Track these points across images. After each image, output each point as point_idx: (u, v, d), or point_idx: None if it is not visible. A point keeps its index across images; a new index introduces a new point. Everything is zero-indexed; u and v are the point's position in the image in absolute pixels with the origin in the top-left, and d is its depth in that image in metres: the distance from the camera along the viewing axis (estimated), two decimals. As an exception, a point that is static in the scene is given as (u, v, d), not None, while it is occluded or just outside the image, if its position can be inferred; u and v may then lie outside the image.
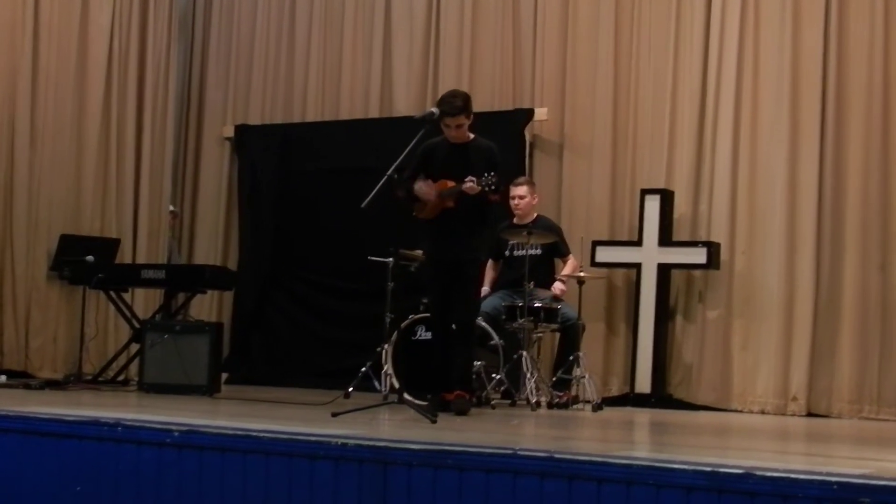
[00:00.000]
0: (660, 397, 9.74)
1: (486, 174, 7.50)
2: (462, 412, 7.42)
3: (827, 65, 9.57)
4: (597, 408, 8.79)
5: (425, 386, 7.91)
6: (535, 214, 9.54)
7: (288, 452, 4.88)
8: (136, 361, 9.61)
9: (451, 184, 7.64)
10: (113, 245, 10.92)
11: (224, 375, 10.10)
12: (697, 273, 9.92)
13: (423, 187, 7.76)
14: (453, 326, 7.78)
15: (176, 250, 12.04)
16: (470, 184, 7.48)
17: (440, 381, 7.73)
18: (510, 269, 9.29)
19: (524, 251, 9.07)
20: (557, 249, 9.45)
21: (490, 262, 9.33)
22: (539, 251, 9.34)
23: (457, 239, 7.74)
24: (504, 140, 9.56)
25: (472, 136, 7.88)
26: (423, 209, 7.84)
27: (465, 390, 7.67)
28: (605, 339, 10.22)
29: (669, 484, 4.15)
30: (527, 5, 10.89)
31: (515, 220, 9.36)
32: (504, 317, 8.88)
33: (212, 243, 12.20)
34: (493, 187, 7.51)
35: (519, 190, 9.38)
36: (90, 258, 10.07)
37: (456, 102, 7.71)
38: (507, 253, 9.37)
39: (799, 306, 9.50)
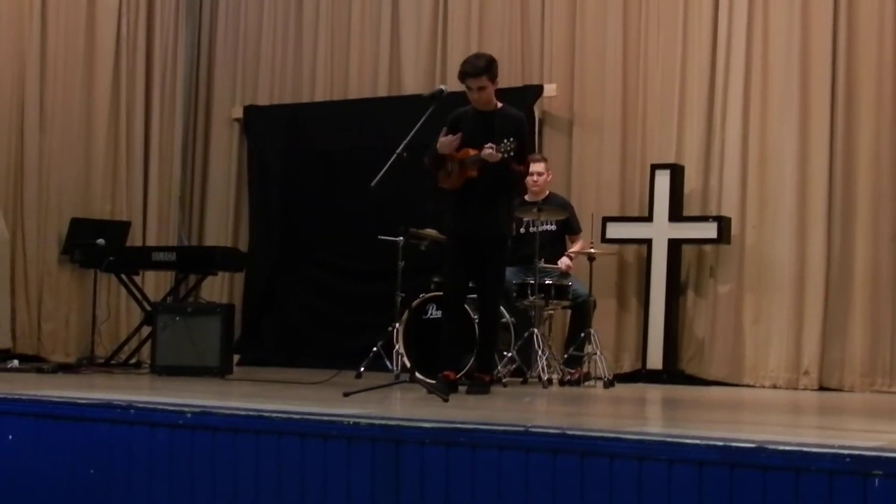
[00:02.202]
0: (671, 373, 9.74)
1: (505, 140, 7.28)
2: (477, 394, 7.35)
3: (837, 38, 9.53)
4: (608, 384, 8.79)
5: (436, 365, 7.86)
6: (548, 192, 9.52)
7: (300, 432, 4.88)
8: (148, 344, 9.62)
9: (473, 152, 7.41)
10: (123, 228, 10.95)
11: (236, 357, 10.12)
12: (708, 248, 9.91)
13: (443, 141, 7.47)
14: (465, 305, 7.66)
15: (186, 241, 12.04)
16: (489, 150, 7.25)
17: (445, 359, 7.58)
18: (524, 245, 9.23)
19: (537, 228, 9.07)
20: (569, 226, 9.44)
21: None
22: (553, 227, 9.33)
23: (479, 213, 7.50)
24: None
25: (500, 104, 7.65)
26: (448, 178, 7.57)
27: (484, 373, 7.61)
28: (617, 316, 10.22)
29: (682, 459, 4.15)
30: (535, -20, 10.86)
31: (528, 198, 9.33)
32: (515, 294, 8.87)
33: (222, 225, 12.20)
34: (511, 153, 7.27)
35: (537, 167, 9.32)
36: (101, 241, 10.09)
37: (478, 63, 7.50)
38: (521, 230, 9.29)
39: (810, 280, 9.48)
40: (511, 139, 7.30)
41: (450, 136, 7.49)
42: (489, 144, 7.28)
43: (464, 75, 7.50)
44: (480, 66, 7.47)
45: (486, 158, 7.29)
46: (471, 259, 7.58)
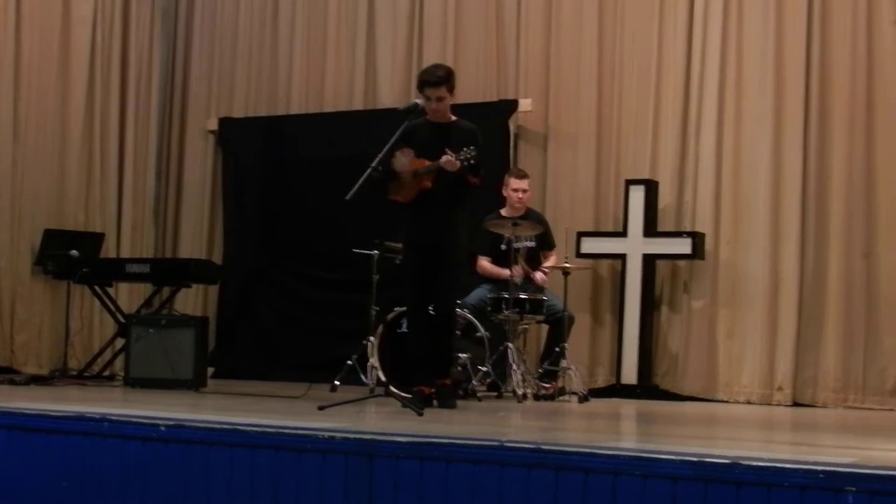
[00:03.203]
0: (646, 388, 9.76)
1: (465, 148, 7.23)
2: (447, 406, 7.31)
3: (810, 54, 9.59)
4: (583, 399, 8.79)
5: (411, 378, 7.82)
6: (526, 208, 9.52)
7: (275, 446, 4.87)
8: (122, 356, 9.58)
9: (427, 163, 7.38)
10: (97, 239, 10.92)
11: (210, 369, 10.08)
12: (682, 263, 9.94)
13: (400, 157, 7.45)
14: (431, 314, 7.56)
15: None
16: (448, 157, 7.20)
17: (418, 374, 7.51)
18: (504, 262, 9.17)
19: (522, 243, 9.08)
20: (545, 242, 9.44)
21: (487, 259, 9.33)
22: (533, 243, 9.34)
23: (435, 221, 7.44)
24: (488, 131, 9.53)
25: (455, 117, 7.65)
26: (400, 190, 7.54)
27: (445, 378, 7.49)
28: (591, 330, 10.23)
29: (656, 474, 4.15)
30: (510, -5, 10.89)
31: (504, 213, 9.33)
32: (489, 308, 8.87)
33: (196, 237, 12.18)
34: (472, 162, 7.22)
35: (522, 183, 9.34)
36: (75, 253, 10.04)
37: (437, 72, 7.51)
38: (503, 247, 9.24)
39: (784, 296, 9.52)
40: (471, 147, 7.26)
41: (407, 152, 7.46)
42: (448, 151, 7.23)
43: (423, 84, 7.50)
44: (440, 76, 7.48)
45: (445, 166, 7.24)
46: (428, 270, 7.51)
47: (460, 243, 7.59)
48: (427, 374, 7.50)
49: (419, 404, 6.79)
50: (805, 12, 9.59)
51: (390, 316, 8.98)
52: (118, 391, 8.75)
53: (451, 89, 7.51)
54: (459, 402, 7.70)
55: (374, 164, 7.19)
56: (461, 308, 8.63)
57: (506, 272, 8.72)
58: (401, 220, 7.70)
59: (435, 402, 7.34)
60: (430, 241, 7.47)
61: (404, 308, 8.85)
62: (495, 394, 8.83)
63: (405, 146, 7.52)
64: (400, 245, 8.97)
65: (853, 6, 9.46)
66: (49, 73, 11.04)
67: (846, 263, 9.36)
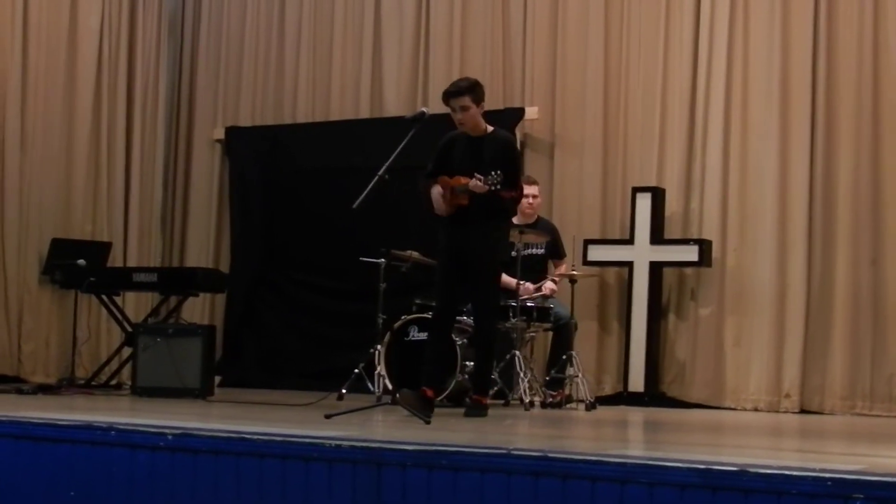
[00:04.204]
0: (653, 395, 9.75)
1: (492, 172, 7.20)
2: (474, 416, 7.33)
3: (816, 61, 9.59)
4: (590, 407, 8.78)
5: (418, 378, 7.77)
6: (537, 215, 9.51)
7: (282, 455, 4.87)
8: (129, 365, 9.59)
9: (464, 180, 7.35)
10: (104, 248, 10.92)
11: (217, 378, 10.09)
12: (689, 271, 9.93)
13: (438, 199, 7.46)
14: (454, 319, 7.59)
15: None
16: (476, 182, 7.21)
17: (425, 376, 7.45)
18: (513, 270, 9.12)
19: (530, 250, 9.07)
20: (554, 251, 9.44)
21: None
22: (542, 250, 9.34)
23: (471, 234, 7.42)
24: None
25: (490, 128, 7.58)
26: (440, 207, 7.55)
27: (481, 395, 7.54)
28: (598, 338, 10.23)
29: (663, 482, 4.15)
30: (516, 4, 10.89)
31: (516, 220, 9.32)
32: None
33: (203, 246, 12.19)
34: (498, 186, 7.20)
35: (532, 189, 9.31)
36: (82, 262, 10.05)
37: (460, 83, 7.52)
38: (513, 253, 9.22)
39: (791, 303, 9.51)
40: (497, 172, 7.22)
41: (445, 195, 7.43)
42: (477, 176, 7.24)
43: (446, 95, 7.50)
44: (462, 86, 7.48)
45: (474, 189, 7.26)
46: (461, 280, 7.51)
47: (497, 254, 7.59)
48: (435, 379, 7.47)
49: (421, 407, 6.78)
50: (811, 19, 9.59)
51: (397, 324, 8.97)
52: (126, 400, 8.76)
53: (476, 100, 7.45)
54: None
55: (380, 172, 7.20)
56: (466, 316, 8.62)
57: (513, 282, 8.71)
58: (437, 228, 7.67)
59: (463, 412, 7.40)
60: (466, 253, 7.45)
61: (411, 316, 8.88)
62: (502, 402, 8.82)
63: (444, 161, 7.52)
64: (406, 253, 9.00)
65: (859, 17, 9.45)
66: (56, 84, 11.06)
67: (853, 270, 9.35)
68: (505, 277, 9.18)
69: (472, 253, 7.44)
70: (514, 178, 7.44)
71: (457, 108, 7.45)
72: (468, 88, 7.46)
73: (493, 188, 7.22)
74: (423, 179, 7.57)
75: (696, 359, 9.83)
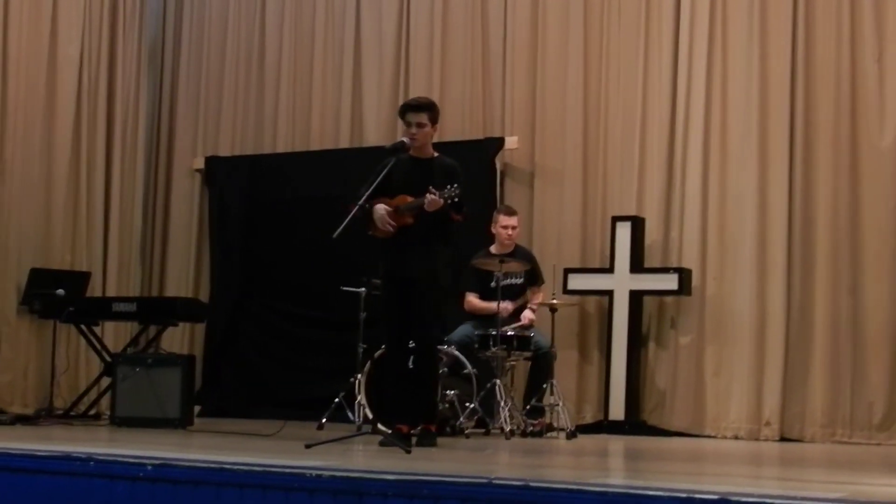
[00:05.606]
0: (633, 424, 9.75)
1: (448, 186, 7.14)
2: (426, 444, 7.18)
3: (794, 90, 9.65)
4: (571, 435, 8.78)
5: (391, 418, 7.66)
6: (514, 244, 9.52)
7: (262, 485, 4.84)
8: (108, 395, 9.55)
9: (410, 199, 7.30)
10: (83, 278, 10.88)
11: (197, 408, 10.05)
12: (669, 299, 9.95)
13: (383, 216, 7.34)
14: (409, 352, 7.42)
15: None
16: (431, 196, 7.09)
17: (397, 414, 7.40)
18: (493, 299, 9.10)
19: (510, 280, 9.09)
20: (532, 278, 9.43)
21: (475, 296, 9.32)
22: (521, 280, 9.34)
23: (413, 254, 7.32)
24: (475, 169, 9.61)
25: (436, 153, 7.57)
26: (379, 227, 7.43)
27: (429, 423, 7.38)
28: (579, 367, 10.23)
29: (645, 511, 4.15)
30: (496, 34, 10.94)
31: (493, 250, 9.34)
32: (477, 345, 8.86)
33: (182, 275, 12.16)
34: (455, 199, 7.13)
35: (512, 220, 9.34)
36: (61, 292, 10.01)
37: (421, 99, 7.57)
38: (492, 284, 9.20)
39: (771, 331, 9.54)
40: (454, 185, 7.18)
41: (391, 212, 7.33)
42: (431, 190, 7.14)
43: (404, 108, 7.51)
44: (423, 102, 7.53)
45: (427, 207, 7.16)
46: (406, 305, 7.39)
47: (439, 279, 7.44)
48: (406, 413, 7.37)
49: (407, 442, 6.77)
50: (789, 49, 9.66)
51: (377, 353, 8.96)
52: (104, 430, 8.72)
53: (432, 120, 7.46)
54: (448, 440, 7.67)
55: (360, 201, 7.18)
56: (446, 345, 8.63)
57: (494, 306, 8.73)
58: (379, 254, 7.60)
59: (414, 441, 7.19)
60: (409, 276, 7.34)
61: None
62: (483, 430, 8.81)
63: (386, 182, 7.35)
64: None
65: (837, 44, 9.52)
66: (35, 113, 11.04)
67: (832, 299, 9.38)
68: (483, 303, 9.20)
69: (415, 275, 7.33)
70: (462, 203, 7.30)
71: (413, 123, 7.42)
72: (428, 106, 7.48)
73: (449, 201, 7.14)
74: (360, 202, 7.26)
75: (677, 387, 9.84)
